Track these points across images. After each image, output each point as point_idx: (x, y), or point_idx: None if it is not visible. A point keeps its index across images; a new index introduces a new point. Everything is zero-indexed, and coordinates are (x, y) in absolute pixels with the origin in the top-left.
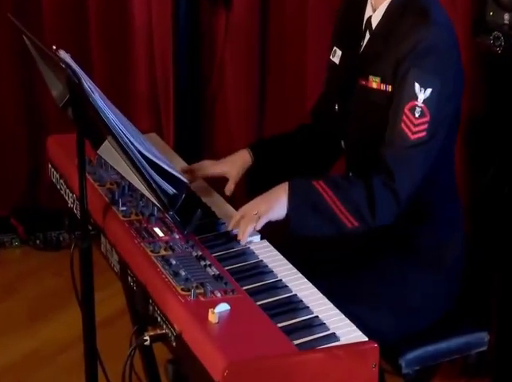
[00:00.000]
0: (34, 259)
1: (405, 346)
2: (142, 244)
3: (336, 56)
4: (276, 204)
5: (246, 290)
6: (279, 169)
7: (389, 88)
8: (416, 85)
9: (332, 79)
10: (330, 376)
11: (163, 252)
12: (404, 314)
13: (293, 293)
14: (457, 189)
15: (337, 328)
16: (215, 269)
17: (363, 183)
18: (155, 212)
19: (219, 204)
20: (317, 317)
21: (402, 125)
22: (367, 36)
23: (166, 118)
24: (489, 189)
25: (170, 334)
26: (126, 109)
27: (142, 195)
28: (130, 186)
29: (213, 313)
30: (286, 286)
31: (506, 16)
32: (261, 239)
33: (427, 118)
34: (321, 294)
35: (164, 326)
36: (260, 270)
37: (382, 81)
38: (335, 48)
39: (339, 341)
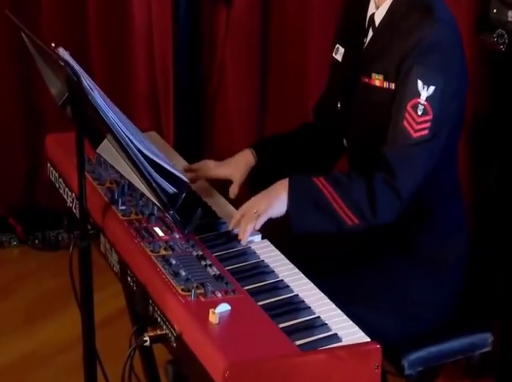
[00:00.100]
0: (33, 258)
1: (408, 347)
2: (142, 244)
3: (339, 54)
4: (275, 201)
5: (247, 290)
6: (282, 169)
7: (393, 86)
8: (419, 82)
9: (335, 77)
10: (332, 378)
11: (163, 252)
12: (406, 315)
13: (295, 293)
14: (460, 189)
15: (339, 328)
16: (215, 269)
17: (364, 180)
18: (155, 212)
19: (219, 204)
20: (319, 317)
21: (404, 123)
22: (370, 33)
23: (166, 116)
24: (493, 187)
25: (170, 335)
26: (126, 107)
27: (142, 194)
28: (130, 185)
29: (214, 313)
30: (288, 287)
31: (510, 13)
32: (263, 238)
33: (429, 117)
34: (323, 295)
35: (164, 327)
36: (261, 270)
37: (385, 79)
38: (337, 45)
39: (341, 341)
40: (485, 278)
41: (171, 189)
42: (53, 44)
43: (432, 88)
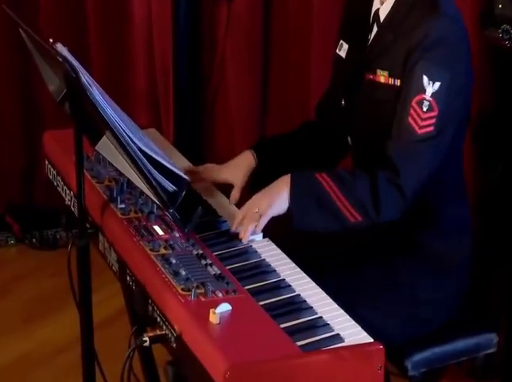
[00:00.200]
0: (30, 258)
1: (412, 348)
2: (141, 243)
3: (343, 50)
4: (277, 199)
5: (248, 289)
6: (283, 170)
7: (398, 82)
8: (425, 78)
9: (338, 74)
10: (334, 379)
11: (163, 251)
12: (410, 315)
13: (297, 293)
14: (465, 187)
15: (342, 329)
16: (216, 268)
17: (368, 177)
18: (154, 210)
19: (220, 202)
20: (321, 317)
21: (409, 119)
22: (375, 29)
23: (166, 114)
24: (497, 186)
25: (170, 335)
26: (125, 105)
27: (141, 192)
28: (129, 183)
29: (214, 313)
30: (289, 286)
31: None
32: (264, 237)
33: (435, 113)
34: (325, 294)
35: (164, 327)
36: (262, 269)
37: (390, 75)
38: (341, 41)
39: (343, 342)
40: (489, 278)
41: (171, 186)
42: (51, 40)
43: (437, 84)
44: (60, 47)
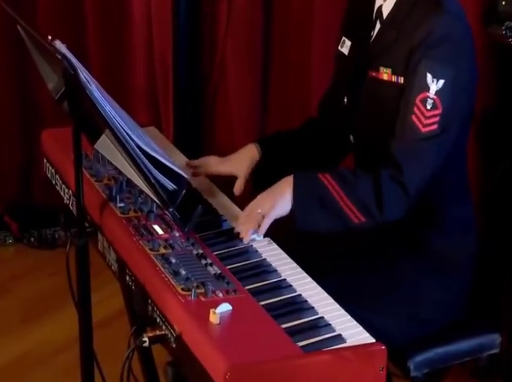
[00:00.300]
0: (28, 257)
1: (414, 348)
2: (141, 242)
3: (345, 47)
4: (280, 200)
5: (248, 289)
6: (287, 165)
7: (401, 80)
8: (429, 76)
9: (341, 71)
10: (336, 379)
11: (162, 250)
12: (413, 315)
13: (298, 293)
14: (469, 186)
15: (343, 329)
16: (216, 268)
17: (371, 177)
18: (154, 209)
19: (220, 201)
20: (323, 318)
21: (413, 117)
22: (378, 25)
23: (165, 112)
24: (501, 184)
25: (170, 335)
26: (124, 102)
27: (141, 191)
28: (128, 182)
29: (214, 313)
30: (290, 286)
31: None
32: (265, 236)
33: (439, 111)
34: (326, 294)
35: (164, 327)
36: (263, 269)
37: (394, 73)
38: (344, 38)
39: (345, 342)
40: (493, 277)
41: (170, 185)
42: (50, 37)
43: (441, 82)
44: (58, 44)
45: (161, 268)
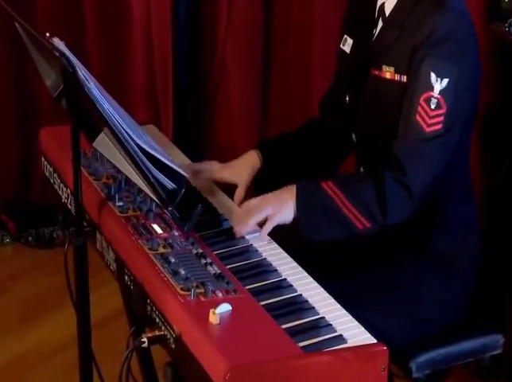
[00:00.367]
0: (26, 257)
1: (416, 349)
2: (140, 241)
3: (347, 45)
4: (284, 208)
5: (248, 289)
6: (289, 171)
7: (404, 79)
8: (433, 75)
9: (343, 70)
10: (337, 380)
11: (162, 250)
12: (415, 316)
13: (298, 293)
14: (472, 186)
15: (344, 329)
16: (216, 267)
17: (374, 180)
18: (153, 208)
19: (220, 200)
20: (323, 318)
21: (417, 117)
22: (380, 23)
23: (165, 110)
24: (504, 184)
25: (169, 336)
26: (123, 100)
27: (140, 190)
28: (127, 180)
29: (214, 313)
30: (291, 286)
31: None
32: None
33: (443, 110)
34: (327, 294)
35: (163, 327)
36: (263, 268)
37: (396, 71)
38: (345, 36)
39: (346, 343)
40: (496, 277)
41: (170, 184)
42: (48, 34)
43: (445, 81)
44: (56, 41)
45: (160, 268)
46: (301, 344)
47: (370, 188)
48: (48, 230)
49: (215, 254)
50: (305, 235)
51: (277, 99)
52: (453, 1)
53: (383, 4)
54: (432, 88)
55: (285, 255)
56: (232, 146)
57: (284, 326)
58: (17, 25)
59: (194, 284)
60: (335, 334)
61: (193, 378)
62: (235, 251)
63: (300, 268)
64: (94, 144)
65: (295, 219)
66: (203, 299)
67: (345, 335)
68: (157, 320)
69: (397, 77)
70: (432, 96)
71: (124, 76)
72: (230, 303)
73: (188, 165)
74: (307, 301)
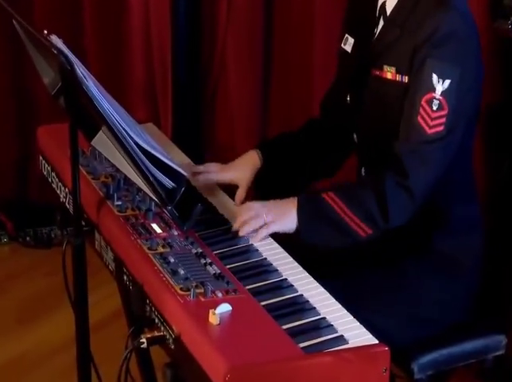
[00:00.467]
0: (24, 256)
1: (418, 350)
2: (139, 241)
3: (348, 44)
4: (285, 217)
5: (248, 289)
6: (290, 169)
7: (405, 79)
8: (434, 76)
9: (344, 69)
10: (338, 381)
11: (161, 249)
12: (417, 317)
13: (299, 293)
14: (475, 186)
15: (346, 330)
16: (216, 267)
17: (374, 185)
18: (152, 207)
19: (220, 199)
20: (324, 318)
21: (419, 118)
22: (381, 23)
23: (164, 108)
24: (507, 183)
25: (168, 336)
26: (122, 98)
27: (139, 189)
28: (126, 179)
29: (214, 314)
30: (292, 286)
31: None
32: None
33: (445, 112)
34: (329, 294)
35: (162, 328)
36: (264, 268)
37: (398, 71)
38: (346, 35)
39: (347, 343)
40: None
41: (169, 183)
42: (46, 32)
43: (447, 82)
44: (54, 39)
45: (160, 268)
46: (302, 344)
47: (371, 194)
48: (46, 229)
49: (215, 253)
50: (308, 244)
51: (278, 98)
52: (455, 0)
53: (384, 3)
54: (433, 89)
55: (286, 254)
56: (232, 145)
57: (284, 327)
58: (14, 22)
59: (193, 284)
60: (336, 335)
61: (193, 379)
62: (235, 251)
63: (301, 268)
64: (92, 142)
65: (297, 229)
66: (202, 299)
67: (346, 336)
68: (156, 320)
69: (398, 78)
70: (434, 97)
71: (123, 74)
72: (230, 303)
73: (187, 165)
74: (308, 301)
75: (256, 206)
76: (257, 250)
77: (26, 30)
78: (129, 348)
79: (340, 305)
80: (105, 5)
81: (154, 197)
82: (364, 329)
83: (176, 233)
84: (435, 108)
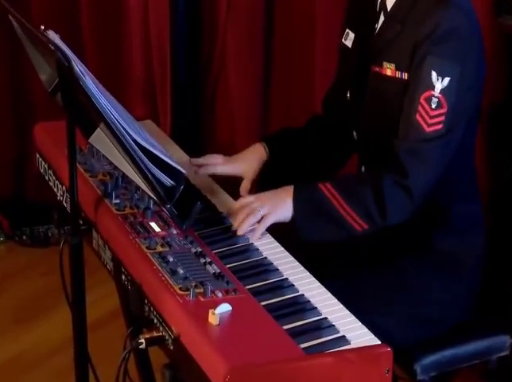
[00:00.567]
0: (20, 255)
1: (421, 350)
2: (137, 240)
3: (349, 39)
4: (280, 207)
5: (249, 289)
6: (295, 163)
7: (405, 76)
8: (433, 73)
9: (344, 65)
10: None
11: (160, 249)
12: (419, 317)
13: (300, 293)
14: (477, 185)
15: (347, 330)
16: (215, 267)
17: (372, 182)
18: (151, 206)
19: (220, 197)
20: (326, 318)
21: (417, 116)
22: (382, 18)
23: (163, 105)
24: (509, 183)
25: (167, 337)
26: (120, 94)
27: (137, 187)
28: (124, 177)
29: (214, 314)
30: (292, 286)
31: None
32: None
33: (444, 110)
34: (330, 294)
35: (161, 328)
36: (264, 268)
37: (397, 68)
38: (347, 30)
39: (349, 344)
40: (502, 277)
41: (168, 181)
42: (43, 27)
43: (447, 80)
44: (51, 34)
45: (158, 267)
46: (303, 345)
47: (369, 190)
48: (43, 228)
49: (215, 253)
50: (302, 235)
51: (278, 98)
52: None
53: None
54: (432, 87)
55: (287, 254)
56: (232, 142)
57: (285, 327)
58: (11, 18)
59: (193, 284)
60: (338, 335)
61: (192, 380)
62: (235, 250)
63: (302, 267)
64: (90, 140)
65: (293, 218)
66: (202, 299)
67: (348, 336)
68: (155, 321)
69: (397, 74)
70: (433, 95)
71: (121, 70)
72: (230, 303)
73: (186, 163)
74: (309, 301)
75: (250, 201)
76: (258, 249)
77: (23, 26)
78: (128, 349)
79: (342, 306)
80: (104, 3)
81: (153, 195)
82: (366, 330)
83: (175, 232)
84: (434, 106)
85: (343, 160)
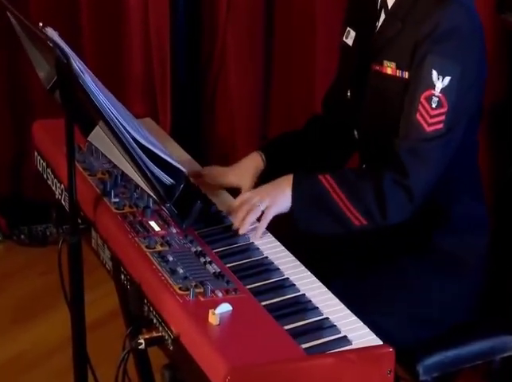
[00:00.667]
0: (19, 255)
1: (423, 351)
2: (137, 239)
3: (350, 38)
4: (280, 198)
5: (249, 289)
6: (293, 170)
7: (406, 75)
8: (434, 72)
9: (345, 64)
10: None
11: (159, 248)
12: (421, 318)
13: (301, 292)
14: (480, 184)
15: (349, 330)
16: (215, 266)
17: (373, 179)
18: (150, 205)
19: (220, 196)
20: (327, 318)
21: (418, 115)
22: (382, 16)
23: (163, 104)
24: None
25: (167, 337)
26: (119, 92)
27: (137, 185)
28: (124, 176)
29: (214, 314)
30: (293, 285)
31: None
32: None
33: (444, 109)
34: (332, 294)
35: (161, 328)
36: (265, 267)
37: (398, 67)
38: (348, 28)
39: (351, 344)
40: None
41: (168, 180)
42: (41, 24)
43: (447, 79)
44: (50, 31)
45: (158, 266)
46: (304, 345)
47: (370, 188)
48: (41, 227)
49: (215, 252)
50: (300, 226)
51: (278, 97)
52: None
53: None
54: (433, 86)
55: (288, 253)
56: (232, 142)
57: (286, 327)
58: (9, 14)
59: (193, 283)
60: (339, 335)
61: (192, 381)
62: (236, 249)
63: (303, 267)
64: (89, 138)
65: (291, 208)
66: (202, 299)
67: (350, 336)
68: (155, 321)
69: (398, 73)
70: (433, 95)
71: (121, 70)
72: (230, 303)
73: (187, 162)
74: (310, 301)
75: (249, 197)
76: (258, 248)
77: (21, 23)
78: (127, 349)
79: (343, 305)
80: (104, 3)
81: (152, 194)
82: (368, 330)
83: (174, 231)
84: (434, 105)
85: (344, 159)
